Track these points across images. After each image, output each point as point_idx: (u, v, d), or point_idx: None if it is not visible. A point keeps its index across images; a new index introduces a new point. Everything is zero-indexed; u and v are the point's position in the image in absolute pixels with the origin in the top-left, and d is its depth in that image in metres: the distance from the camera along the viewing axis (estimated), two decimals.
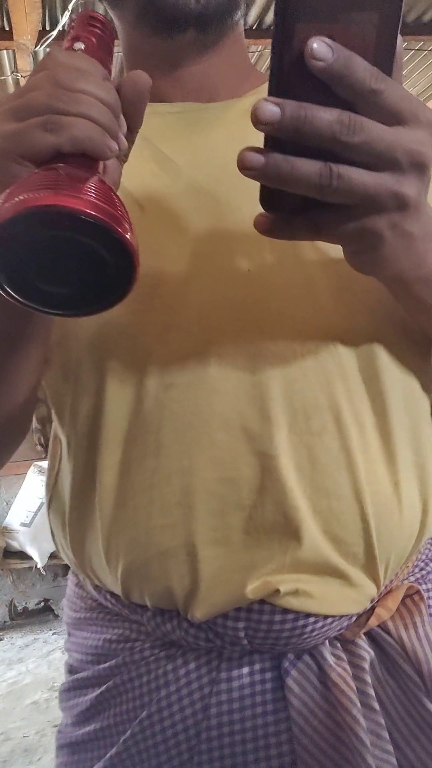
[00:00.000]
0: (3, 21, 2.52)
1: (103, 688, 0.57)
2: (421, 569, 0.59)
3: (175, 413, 0.50)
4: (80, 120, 0.35)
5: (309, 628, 0.50)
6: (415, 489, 0.52)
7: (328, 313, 0.50)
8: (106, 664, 0.58)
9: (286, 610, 0.49)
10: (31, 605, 3.33)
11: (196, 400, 0.49)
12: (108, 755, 0.55)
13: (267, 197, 0.37)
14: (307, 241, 0.50)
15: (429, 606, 0.58)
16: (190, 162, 0.54)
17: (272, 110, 0.32)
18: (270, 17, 2.55)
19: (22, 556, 3.16)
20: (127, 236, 0.34)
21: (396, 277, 0.41)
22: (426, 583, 0.59)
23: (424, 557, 0.60)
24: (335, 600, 0.50)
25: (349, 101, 0.33)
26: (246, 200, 0.45)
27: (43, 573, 3.18)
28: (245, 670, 0.52)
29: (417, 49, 2.72)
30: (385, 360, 0.51)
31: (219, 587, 0.50)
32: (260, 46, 2.66)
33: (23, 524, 3.13)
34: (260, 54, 2.73)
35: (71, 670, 0.63)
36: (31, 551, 3.10)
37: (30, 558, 3.12)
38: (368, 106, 0.33)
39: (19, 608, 3.32)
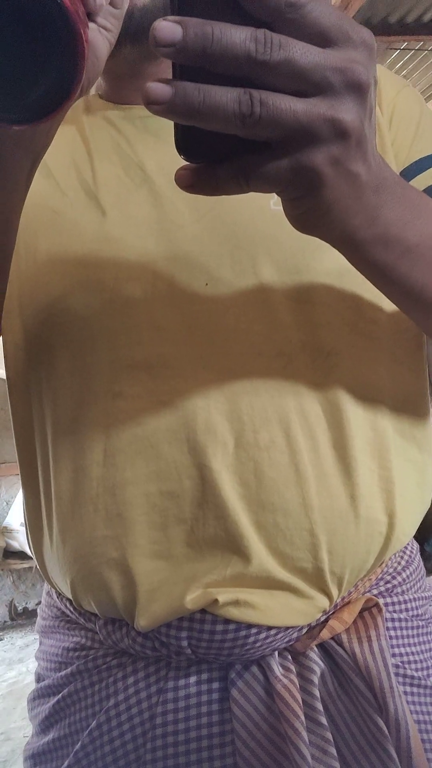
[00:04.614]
0: None
1: (59, 696, 0.57)
2: (387, 582, 0.58)
3: (122, 423, 0.49)
4: None
5: (252, 639, 0.49)
6: (379, 502, 0.51)
7: (284, 327, 0.50)
8: (63, 672, 0.57)
9: (228, 621, 0.49)
10: (32, 605, 3.35)
11: (143, 410, 0.49)
12: None
13: (184, 141, 0.31)
14: (266, 254, 0.50)
15: (393, 620, 0.57)
16: (155, 168, 0.53)
17: (172, 29, 0.27)
18: None
19: (22, 556, 3.17)
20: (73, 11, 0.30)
21: (347, 236, 0.36)
22: (391, 596, 0.57)
23: (391, 570, 0.58)
24: (280, 611, 0.49)
25: (266, 22, 0.28)
26: None
27: None
28: (192, 679, 0.51)
29: (417, 49, 2.67)
30: (344, 371, 0.50)
31: (159, 599, 0.49)
32: None
33: (23, 524, 3.13)
34: None
35: (38, 678, 0.62)
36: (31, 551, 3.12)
37: (30, 558, 3.14)
38: (288, 25, 0.28)
39: (20, 608, 3.33)
